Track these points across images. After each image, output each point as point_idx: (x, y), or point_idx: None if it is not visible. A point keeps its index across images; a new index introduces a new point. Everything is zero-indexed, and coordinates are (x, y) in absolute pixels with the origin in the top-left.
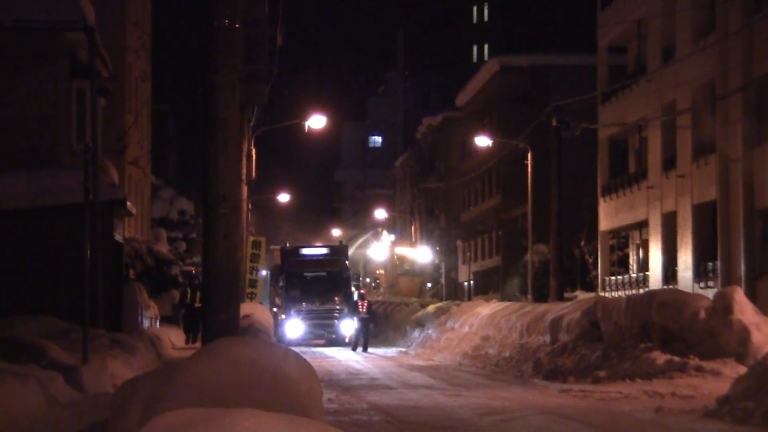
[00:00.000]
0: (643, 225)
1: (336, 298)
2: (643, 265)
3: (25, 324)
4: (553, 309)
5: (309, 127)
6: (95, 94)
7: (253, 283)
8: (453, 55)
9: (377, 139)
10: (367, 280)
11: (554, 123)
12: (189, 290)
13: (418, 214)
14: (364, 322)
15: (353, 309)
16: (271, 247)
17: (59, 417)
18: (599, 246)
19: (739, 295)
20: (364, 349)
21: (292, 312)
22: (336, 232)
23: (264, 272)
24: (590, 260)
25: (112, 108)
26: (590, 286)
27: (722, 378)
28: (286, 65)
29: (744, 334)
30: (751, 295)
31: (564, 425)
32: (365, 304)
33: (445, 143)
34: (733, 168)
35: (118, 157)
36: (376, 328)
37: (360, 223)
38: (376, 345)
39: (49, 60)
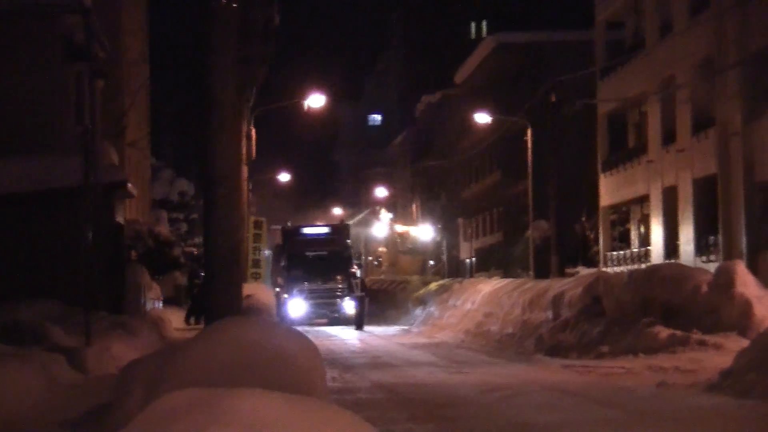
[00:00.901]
0: (643, 200)
1: (338, 277)
2: (645, 240)
3: (27, 308)
4: (554, 285)
5: (308, 106)
6: (93, 77)
7: (257, 263)
8: (450, 33)
9: (376, 118)
10: (369, 258)
11: (553, 99)
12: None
13: (418, 192)
14: (359, 301)
15: (353, 288)
16: (273, 227)
17: (62, 399)
18: (600, 221)
19: (741, 269)
20: (359, 327)
21: (294, 291)
22: (337, 211)
23: (267, 252)
24: (591, 236)
25: (110, 90)
26: (591, 262)
27: (725, 352)
28: (284, 46)
29: (746, 307)
30: (753, 268)
31: (567, 400)
32: (359, 283)
33: (443, 121)
34: (733, 142)
35: (117, 140)
36: (378, 306)
37: (360, 202)
38: (378, 323)
39: (45, 43)
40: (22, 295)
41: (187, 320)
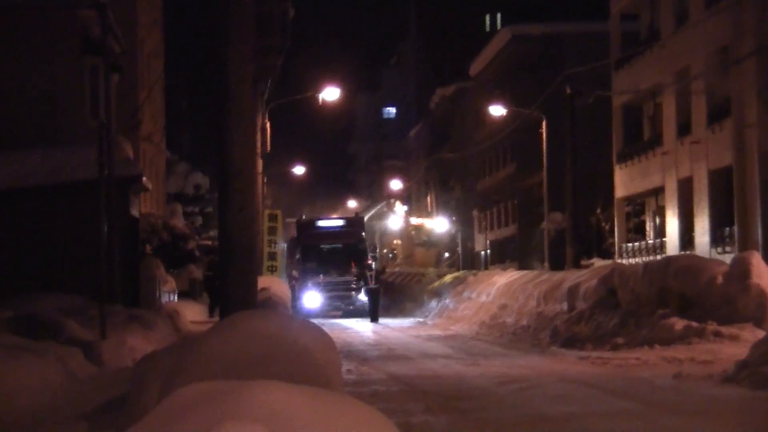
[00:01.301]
0: (659, 191)
1: (353, 270)
2: (660, 232)
3: (43, 301)
4: (569, 277)
5: (323, 99)
6: (108, 71)
7: (273, 256)
8: (465, 25)
9: (391, 110)
10: (384, 251)
11: (568, 91)
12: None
13: (433, 184)
14: (374, 293)
15: (368, 280)
16: (287, 219)
17: (79, 392)
18: (615, 213)
19: (757, 260)
20: (374, 320)
21: (309, 284)
22: (351, 204)
23: (282, 245)
24: (606, 228)
25: (125, 84)
26: (607, 254)
27: (741, 343)
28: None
29: (762, 298)
30: None
31: (583, 392)
32: (373, 275)
33: (458, 113)
34: (749, 133)
35: (132, 133)
36: (393, 299)
37: (375, 195)
38: (394, 316)
39: (61, 37)
40: (37, 289)
41: (211, 313)
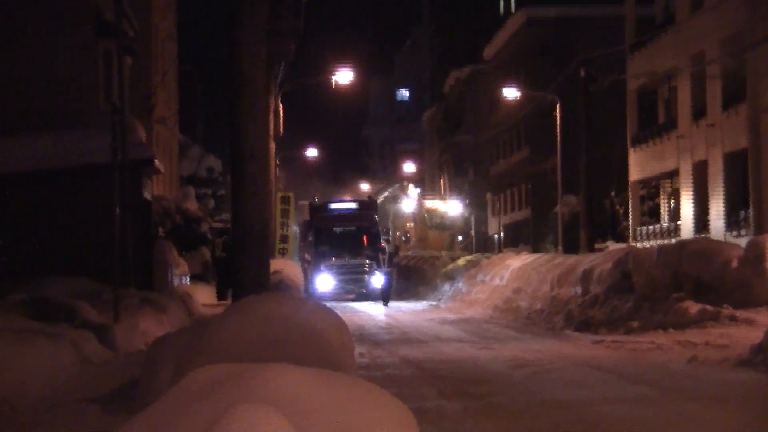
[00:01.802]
0: (673, 174)
1: (366, 253)
2: (675, 215)
3: (56, 285)
4: (584, 260)
5: (336, 82)
6: (121, 54)
7: (285, 239)
8: (480, 8)
9: (404, 93)
10: (397, 234)
11: (582, 74)
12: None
13: (446, 168)
14: (387, 276)
15: (381, 263)
16: (300, 202)
17: (93, 375)
18: (630, 196)
19: None
20: (386, 303)
21: (321, 267)
22: (365, 187)
23: (295, 228)
24: (620, 211)
25: (138, 68)
26: (621, 237)
27: (756, 327)
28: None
29: None
30: None
31: (597, 376)
32: (386, 258)
33: (472, 96)
34: (764, 117)
35: (146, 117)
36: (406, 282)
37: (388, 178)
38: (407, 299)
39: (75, 21)
40: (50, 273)
41: (220, 296)
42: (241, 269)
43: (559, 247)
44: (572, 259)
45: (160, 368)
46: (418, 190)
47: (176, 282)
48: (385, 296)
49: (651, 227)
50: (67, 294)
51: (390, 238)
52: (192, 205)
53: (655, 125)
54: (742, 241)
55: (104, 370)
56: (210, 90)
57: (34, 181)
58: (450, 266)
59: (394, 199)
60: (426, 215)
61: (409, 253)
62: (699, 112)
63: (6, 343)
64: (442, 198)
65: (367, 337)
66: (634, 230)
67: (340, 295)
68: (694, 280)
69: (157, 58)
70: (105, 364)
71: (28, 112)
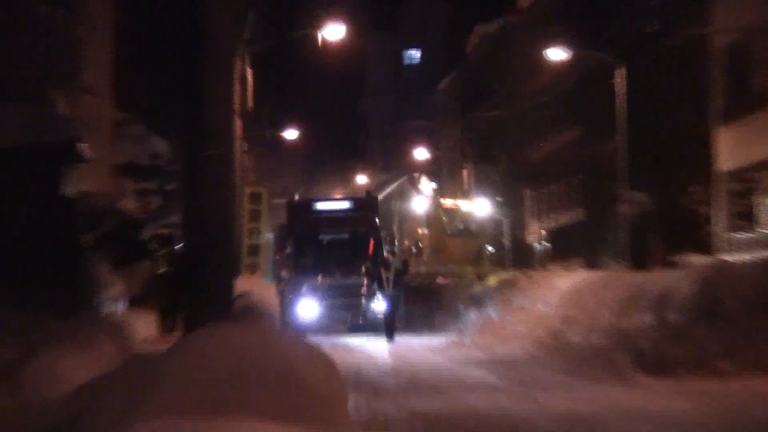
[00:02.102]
0: None
1: (362, 269)
2: None
3: None
4: (657, 279)
5: (323, 39)
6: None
7: (255, 250)
8: None
9: (414, 55)
10: (405, 242)
11: (649, 29)
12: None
13: (470, 153)
14: (392, 301)
15: (384, 283)
16: (275, 200)
17: None
18: (716, 192)
19: None
20: (390, 337)
21: (304, 288)
22: (361, 179)
23: (268, 236)
24: (704, 212)
25: (60, 20)
26: (704, 247)
27: None
28: None
29: None
30: None
31: None
32: (391, 277)
33: (503, 59)
34: None
35: (69, 84)
36: (418, 308)
37: (393, 167)
38: (419, 331)
39: None
40: None
41: (165, 326)
42: (196, 290)
43: (626, 261)
44: (641, 277)
45: (89, 423)
46: (433, 184)
47: (108, 307)
48: (389, 327)
49: (746, 235)
50: None
51: (396, 248)
52: (130, 204)
53: (750, 95)
54: None
55: (6, 425)
56: (158, 49)
57: None
58: (477, 287)
59: (401, 195)
60: (444, 217)
61: (422, 268)
62: None
63: None
64: (465, 194)
65: (365, 383)
66: (723, 238)
67: (329, 326)
68: None
69: (90, 8)
70: (6, 419)
71: None
